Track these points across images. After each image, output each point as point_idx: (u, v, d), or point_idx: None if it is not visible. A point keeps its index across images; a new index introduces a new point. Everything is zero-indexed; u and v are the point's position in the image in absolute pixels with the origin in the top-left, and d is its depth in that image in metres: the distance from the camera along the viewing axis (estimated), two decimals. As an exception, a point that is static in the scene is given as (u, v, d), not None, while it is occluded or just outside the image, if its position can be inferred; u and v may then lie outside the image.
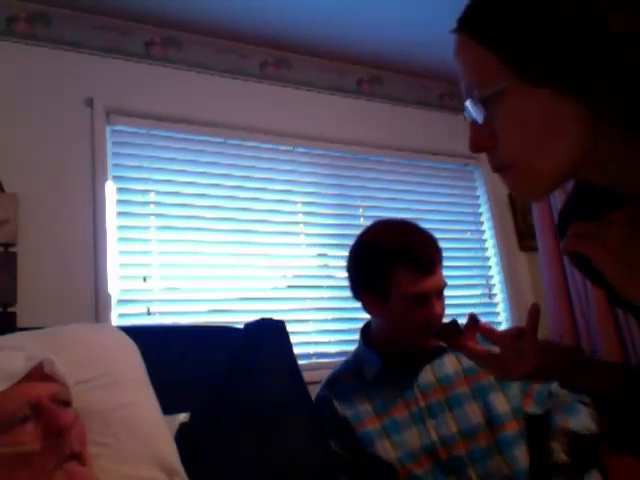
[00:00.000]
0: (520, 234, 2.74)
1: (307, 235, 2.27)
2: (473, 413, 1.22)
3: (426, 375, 1.28)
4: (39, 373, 0.81)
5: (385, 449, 1.20)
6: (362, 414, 1.25)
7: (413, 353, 1.30)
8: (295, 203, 2.29)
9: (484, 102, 0.60)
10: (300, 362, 1.41)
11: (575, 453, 1.09)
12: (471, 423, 1.21)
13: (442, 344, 1.25)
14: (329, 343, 2.16)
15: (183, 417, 1.12)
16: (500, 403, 1.23)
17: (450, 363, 1.30)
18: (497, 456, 1.18)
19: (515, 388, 1.28)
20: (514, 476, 1.17)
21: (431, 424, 1.22)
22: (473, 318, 0.98)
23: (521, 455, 1.19)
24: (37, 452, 0.73)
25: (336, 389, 1.32)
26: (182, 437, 1.07)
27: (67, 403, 0.83)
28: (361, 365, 1.34)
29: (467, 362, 1.26)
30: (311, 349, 2.11)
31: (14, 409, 0.74)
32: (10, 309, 1.65)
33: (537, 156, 0.59)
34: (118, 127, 2.00)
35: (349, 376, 1.34)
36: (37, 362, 0.81)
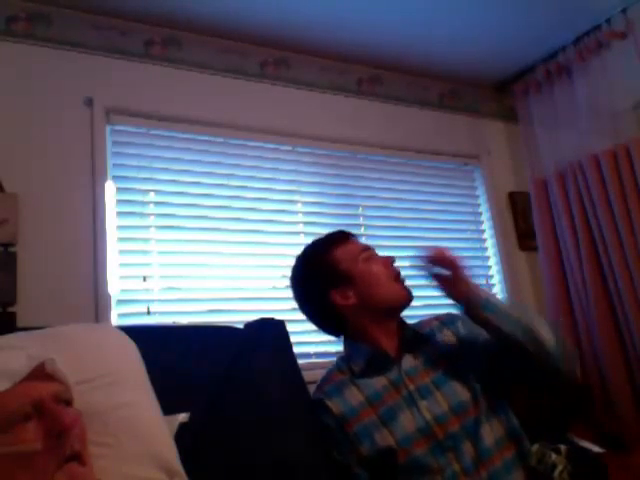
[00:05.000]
0: (520, 234, 2.74)
1: (307, 234, 2.27)
2: (459, 390, 1.27)
3: (408, 361, 1.32)
4: (41, 372, 0.80)
5: (384, 437, 1.22)
6: (357, 407, 1.26)
7: (396, 336, 1.36)
8: (295, 202, 2.29)
9: None
10: (300, 362, 1.41)
11: (579, 475, 1.10)
12: (460, 399, 1.26)
13: (420, 331, 1.38)
14: (329, 343, 2.16)
15: (183, 417, 1.12)
16: (475, 378, 1.31)
17: (428, 349, 1.35)
18: (486, 424, 1.23)
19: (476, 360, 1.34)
20: (508, 434, 1.24)
21: (423, 405, 1.25)
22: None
23: (504, 418, 1.27)
24: (38, 452, 0.73)
25: (327, 389, 1.33)
26: (182, 437, 1.07)
27: (69, 402, 0.82)
28: (348, 361, 1.36)
29: (443, 346, 1.36)
30: (311, 349, 2.11)
31: (16, 408, 0.74)
32: (10, 309, 1.65)
33: None
34: (118, 127, 2.00)
35: (338, 374, 1.36)
36: (39, 362, 0.81)
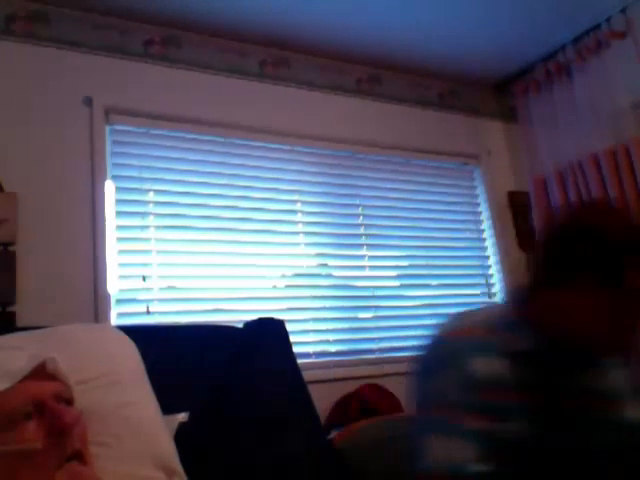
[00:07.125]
0: (520, 234, 2.74)
1: (306, 234, 2.28)
2: None
3: None
4: (42, 372, 0.80)
5: None
6: None
7: None
8: (294, 202, 2.29)
9: None
10: (300, 362, 1.41)
11: None
12: None
13: None
14: (328, 343, 2.16)
15: (183, 417, 1.12)
16: None
17: None
18: None
19: None
20: None
21: None
22: None
23: None
24: (40, 450, 0.72)
25: None
26: (182, 437, 1.07)
27: (69, 401, 0.82)
28: None
29: None
30: (311, 349, 2.11)
31: (17, 407, 0.74)
32: (9, 309, 1.65)
33: None
34: (117, 126, 2.00)
35: None
36: (40, 361, 0.81)
